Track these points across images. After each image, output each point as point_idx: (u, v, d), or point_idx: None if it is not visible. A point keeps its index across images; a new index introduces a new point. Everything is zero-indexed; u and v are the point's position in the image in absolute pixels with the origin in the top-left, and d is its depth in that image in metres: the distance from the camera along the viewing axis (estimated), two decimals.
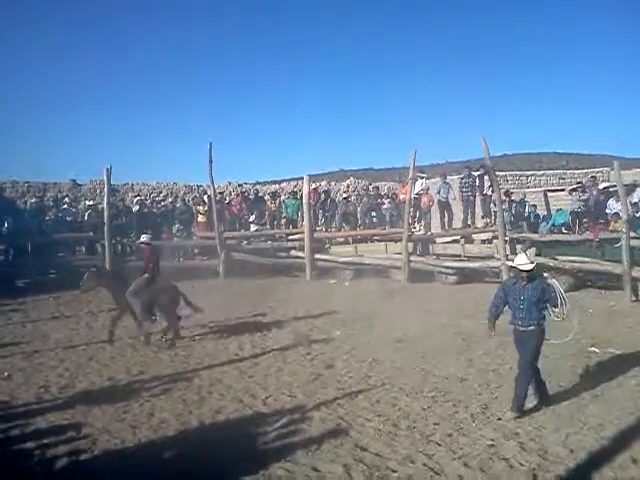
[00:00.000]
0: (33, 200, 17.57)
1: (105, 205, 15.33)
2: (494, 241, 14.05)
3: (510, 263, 7.61)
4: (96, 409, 5.78)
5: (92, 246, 16.07)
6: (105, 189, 15.68)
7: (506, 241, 13.53)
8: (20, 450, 4.79)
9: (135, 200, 17.54)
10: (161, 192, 22.83)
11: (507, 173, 25.25)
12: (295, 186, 22.81)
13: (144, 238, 9.58)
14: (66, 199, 17.92)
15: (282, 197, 19.84)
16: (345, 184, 25.64)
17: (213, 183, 16.10)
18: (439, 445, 4.88)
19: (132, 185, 22.68)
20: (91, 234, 15.76)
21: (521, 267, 5.66)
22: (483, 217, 15.43)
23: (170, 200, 19.66)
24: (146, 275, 8.79)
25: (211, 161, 15.44)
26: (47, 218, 15.99)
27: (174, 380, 6.81)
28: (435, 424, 5.35)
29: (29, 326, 10.33)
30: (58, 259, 15.54)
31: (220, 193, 19.30)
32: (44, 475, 4.38)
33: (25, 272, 15.07)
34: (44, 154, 48.07)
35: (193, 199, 20.22)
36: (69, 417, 5.56)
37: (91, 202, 17.98)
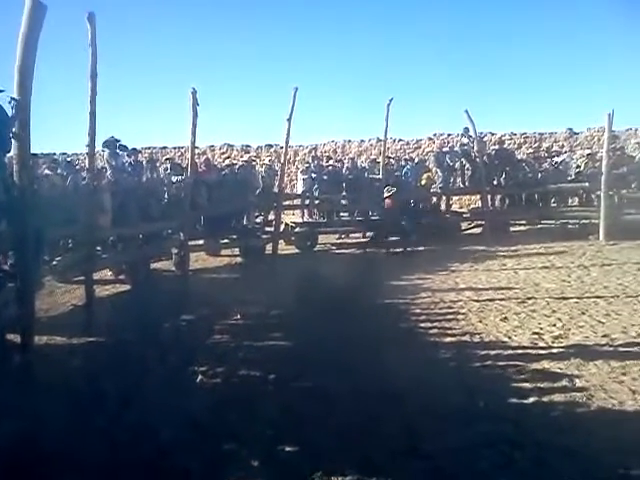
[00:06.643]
0: (529, 151, 18.14)
1: (604, 153, 14.28)
2: None
3: None
4: (591, 365, 5.41)
5: (587, 197, 15.51)
6: (604, 136, 14.59)
7: None
8: (519, 388, 4.94)
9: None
10: None
11: None
12: None
13: None
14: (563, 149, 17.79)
15: None
16: None
17: None
18: None
19: (636, 130, 20.27)
20: (587, 184, 15.10)
21: None
22: None
23: None
24: None
25: None
26: (541, 169, 16.21)
27: None
28: None
29: (521, 273, 10.63)
30: (551, 209, 15.81)
31: None
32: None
33: (516, 220, 16.36)
34: (540, 104, 48.12)
35: None
36: (563, 367, 5.38)
37: (588, 151, 17.12)
